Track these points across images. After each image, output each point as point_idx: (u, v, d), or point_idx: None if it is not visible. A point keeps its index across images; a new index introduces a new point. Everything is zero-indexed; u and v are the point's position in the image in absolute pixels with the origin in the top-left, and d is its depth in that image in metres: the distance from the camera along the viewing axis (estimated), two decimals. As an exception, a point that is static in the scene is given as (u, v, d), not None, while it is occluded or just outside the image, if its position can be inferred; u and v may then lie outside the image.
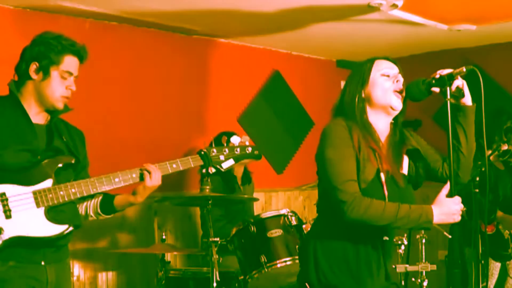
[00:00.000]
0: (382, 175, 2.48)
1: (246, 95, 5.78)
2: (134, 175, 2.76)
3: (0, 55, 4.12)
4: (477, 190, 4.02)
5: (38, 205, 2.60)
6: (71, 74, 2.73)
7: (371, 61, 2.60)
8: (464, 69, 2.36)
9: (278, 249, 3.78)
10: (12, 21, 4.25)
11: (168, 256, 4.87)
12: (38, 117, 2.74)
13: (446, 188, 2.35)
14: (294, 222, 3.89)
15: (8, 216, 2.55)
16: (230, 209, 4.66)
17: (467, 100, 2.47)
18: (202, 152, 2.84)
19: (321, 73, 6.46)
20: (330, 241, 2.53)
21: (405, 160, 2.62)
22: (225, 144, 2.89)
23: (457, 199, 2.33)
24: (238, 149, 2.89)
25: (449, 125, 2.36)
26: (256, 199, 4.48)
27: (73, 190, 2.65)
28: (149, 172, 2.75)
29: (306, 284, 2.56)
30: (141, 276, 4.88)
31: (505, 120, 4.63)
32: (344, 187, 2.40)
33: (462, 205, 2.33)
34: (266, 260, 3.70)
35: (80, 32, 4.36)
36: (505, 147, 4.55)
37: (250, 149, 2.91)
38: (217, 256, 3.67)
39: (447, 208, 2.32)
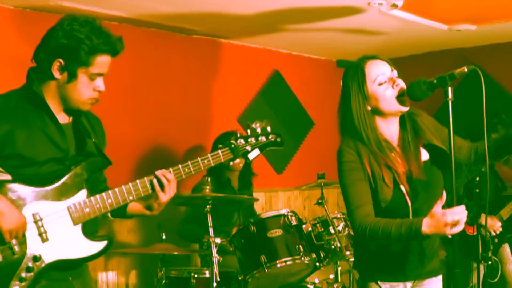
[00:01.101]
0: (403, 187, 2.49)
1: (246, 95, 5.78)
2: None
3: (0, 55, 4.12)
4: (477, 190, 4.03)
5: (74, 222, 2.35)
6: (101, 75, 2.41)
7: (361, 68, 2.52)
8: (466, 69, 2.35)
9: (278, 249, 3.77)
10: (12, 21, 4.25)
11: (168, 256, 4.86)
12: (61, 115, 2.44)
13: (441, 202, 2.32)
14: (294, 222, 3.88)
15: (44, 239, 2.31)
16: (223, 210, 4.63)
17: None
18: (233, 145, 2.59)
19: (321, 73, 6.46)
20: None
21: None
22: (249, 132, 2.66)
23: (451, 211, 2.26)
24: (263, 137, 2.66)
25: (450, 125, 2.35)
26: (256, 199, 4.47)
27: (109, 201, 2.40)
28: (163, 186, 2.48)
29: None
30: (141, 276, 4.88)
31: (495, 123, 4.68)
32: (355, 215, 2.47)
33: (457, 217, 2.25)
34: (266, 260, 3.70)
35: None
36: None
37: (272, 136, 2.68)
38: (217, 256, 3.67)
39: (435, 221, 2.28)
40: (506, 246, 4.89)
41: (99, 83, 2.41)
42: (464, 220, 2.26)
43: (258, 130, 2.66)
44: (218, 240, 3.73)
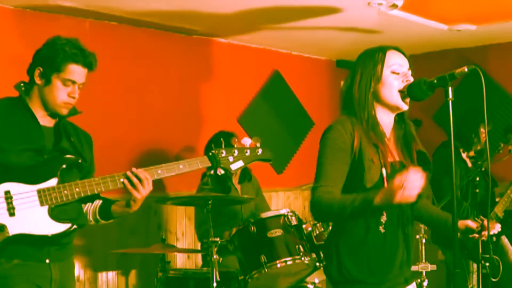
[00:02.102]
0: (384, 170, 2.48)
1: (246, 95, 5.78)
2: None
3: (0, 55, 4.12)
4: (477, 190, 4.03)
5: (42, 204, 2.61)
6: (74, 82, 2.72)
7: (383, 52, 2.56)
8: (466, 69, 2.36)
9: (278, 249, 3.77)
10: (12, 21, 4.25)
11: (168, 256, 4.87)
12: (45, 119, 2.77)
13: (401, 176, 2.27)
14: (294, 222, 3.87)
15: (11, 213, 2.58)
16: (223, 209, 4.64)
17: None
18: (210, 154, 2.78)
19: (321, 73, 6.46)
20: (350, 236, 2.52)
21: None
22: (235, 146, 2.83)
23: (401, 177, 2.21)
24: (248, 151, 2.83)
25: (451, 125, 2.36)
26: (256, 199, 4.47)
27: (77, 190, 2.65)
28: (134, 185, 2.68)
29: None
30: (141, 276, 4.88)
31: (481, 120, 4.64)
32: (316, 191, 2.43)
33: (406, 180, 2.20)
34: (266, 260, 3.69)
35: (80, 32, 4.35)
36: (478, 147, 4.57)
37: (260, 151, 2.86)
38: (217, 256, 3.68)
39: (388, 188, 2.27)
40: (503, 238, 4.88)
41: (72, 90, 2.73)
42: (416, 185, 2.20)
43: (246, 145, 2.84)
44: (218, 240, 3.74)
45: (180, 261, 5.14)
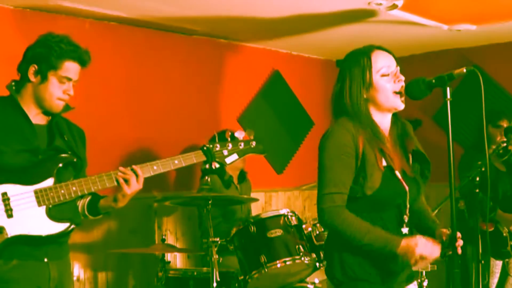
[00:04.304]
0: (397, 173, 2.49)
1: (246, 95, 5.79)
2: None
3: (0, 55, 4.12)
4: (477, 190, 4.02)
5: (39, 204, 2.63)
6: (69, 79, 2.73)
7: (367, 55, 2.52)
8: (465, 70, 2.36)
9: (278, 249, 3.77)
10: (12, 21, 4.25)
11: (168, 256, 4.87)
12: (38, 117, 2.76)
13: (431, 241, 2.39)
14: (294, 222, 3.88)
15: (9, 215, 2.59)
16: (227, 208, 4.66)
17: None
18: (205, 148, 2.79)
19: (321, 73, 6.46)
20: None
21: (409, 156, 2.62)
22: (229, 139, 2.83)
23: (429, 245, 2.36)
24: (242, 144, 2.84)
25: (449, 125, 2.36)
26: (256, 199, 4.47)
27: (73, 189, 2.67)
28: (127, 180, 2.70)
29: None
30: (141, 276, 4.88)
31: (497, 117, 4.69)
32: (328, 201, 2.41)
33: (430, 253, 2.35)
34: (266, 260, 3.70)
35: (80, 32, 4.36)
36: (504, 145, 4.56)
37: (254, 143, 2.86)
38: (217, 256, 3.68)
39: (410, 248, 2.34)
40: None
41: (68, 87, 2.74)
42: (432, 258, 2.34)
43: (240, 138, 2.84)
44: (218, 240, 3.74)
45: (180, 261, 5.14)
